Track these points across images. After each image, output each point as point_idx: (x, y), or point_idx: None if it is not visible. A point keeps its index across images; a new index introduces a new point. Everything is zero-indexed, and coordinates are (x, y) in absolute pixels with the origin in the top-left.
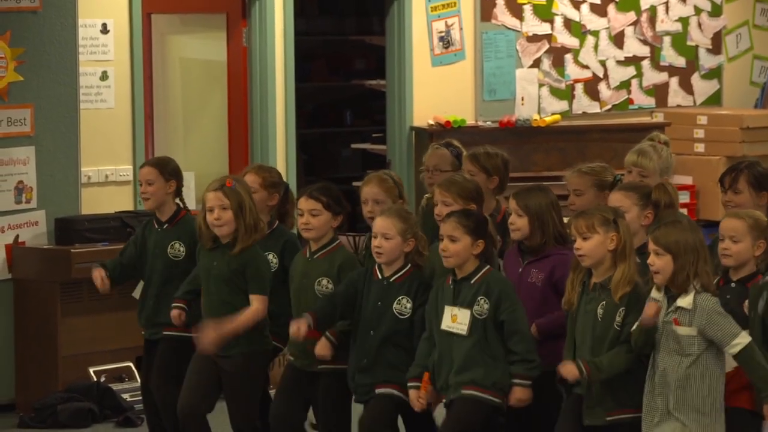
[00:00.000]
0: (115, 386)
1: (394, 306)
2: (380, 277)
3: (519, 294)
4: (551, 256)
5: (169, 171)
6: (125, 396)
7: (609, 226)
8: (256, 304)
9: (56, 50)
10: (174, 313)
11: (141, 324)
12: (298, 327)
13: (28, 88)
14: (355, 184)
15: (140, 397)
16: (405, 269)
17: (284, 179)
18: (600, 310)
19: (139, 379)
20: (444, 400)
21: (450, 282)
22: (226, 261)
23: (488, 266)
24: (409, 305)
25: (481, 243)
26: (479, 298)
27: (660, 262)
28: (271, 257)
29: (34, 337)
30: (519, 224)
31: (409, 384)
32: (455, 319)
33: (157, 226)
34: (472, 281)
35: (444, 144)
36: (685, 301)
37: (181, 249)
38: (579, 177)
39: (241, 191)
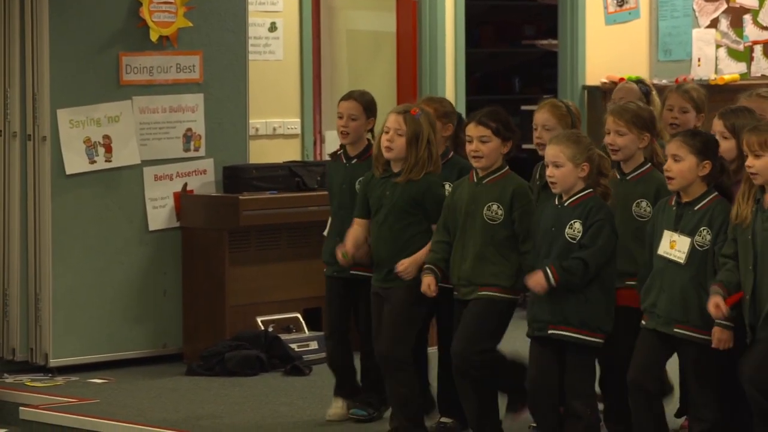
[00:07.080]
0: (283, 336)
1: (566, 231)
2: (556, 202)
3: None
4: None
5: (372, 109)
6: (293, 346)
7: None
8: None
9: None
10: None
11: (324, 260)
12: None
13: (197, 34)
14: (524, 146)
15: (308, 348)
16: (582, 193)
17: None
18: None
19: (306, 331)
20: (644, 321)
21: (673, 204)
22: (400, 190)
23: (716, 193)
24: (580, 228)
25: (707, 164)
26: (702, 228)
27: None
28: (447, 187)
29: (201, 286)
30: (724, 147)
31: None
32: (674, 246)
33: (345, 161)
34: (697, 207)
35: (634, 81)
36: None
37: None
38: (760, 100)
39: (423, 122)
